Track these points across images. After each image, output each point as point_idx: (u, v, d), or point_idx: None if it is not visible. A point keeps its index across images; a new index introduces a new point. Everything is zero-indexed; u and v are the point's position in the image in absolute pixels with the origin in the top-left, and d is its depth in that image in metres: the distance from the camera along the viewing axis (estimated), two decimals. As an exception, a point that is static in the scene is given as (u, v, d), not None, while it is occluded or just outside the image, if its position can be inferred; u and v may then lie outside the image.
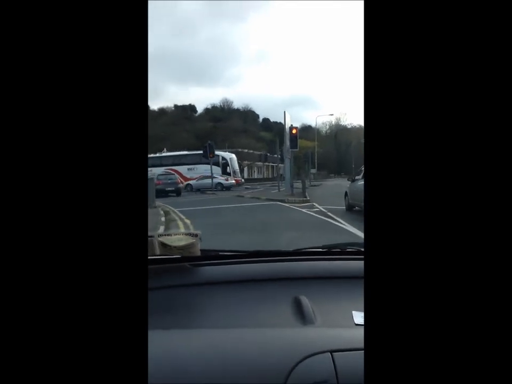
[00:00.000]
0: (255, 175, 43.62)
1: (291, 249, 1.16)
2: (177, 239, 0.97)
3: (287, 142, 15.34)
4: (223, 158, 27.45)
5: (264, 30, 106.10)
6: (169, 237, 0.97)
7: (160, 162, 28.06)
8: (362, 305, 0.51)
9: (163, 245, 0.95)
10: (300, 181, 16.53)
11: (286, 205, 11.87)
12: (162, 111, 62.32)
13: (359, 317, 0.74)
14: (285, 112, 15.54)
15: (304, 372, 0.55)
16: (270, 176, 43.35)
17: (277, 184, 19.14)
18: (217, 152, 25.22)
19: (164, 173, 21.27)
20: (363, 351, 0.50)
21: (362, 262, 0.52)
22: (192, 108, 67.37)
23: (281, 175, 20.40)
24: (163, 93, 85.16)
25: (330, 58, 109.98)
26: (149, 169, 25.69)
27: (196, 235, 0.99)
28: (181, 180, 27.52)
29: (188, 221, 7.99)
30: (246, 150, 38.50)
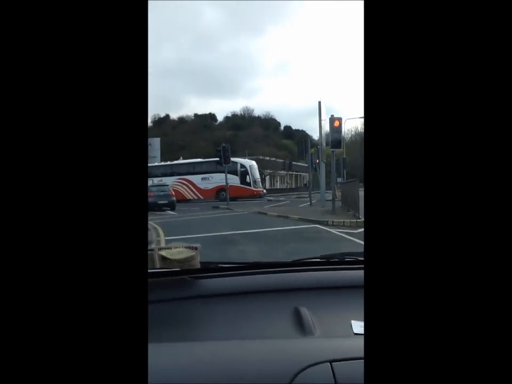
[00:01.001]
0: (278, 185, 40.39)
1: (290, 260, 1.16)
2: (177, 252, 0.98)
3: (323, 141, 11.78)
4: (242, 166, 24.01)
5: (283, 42, 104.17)
6: (169, 250, 0.98)
7: (171, 171, 25.10)
8: (361, 315, 0.51)
9: (163, 258, 0.97)
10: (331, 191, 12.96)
11: (332, 230, 7.44)
12: (181, 120, 60.28)
13: (358, 327, 0.75)
14: (320, 102, 11.61)
15: (304, 382, 0.56)
16: (294, 186, 40.15)
17: (304, 196, 15.60)
18: (235, 159, 22.01)
19: (156, 184, 18.13)
20: (362, 360, 0.50)
21: (360, 271, 0.51)
22: (212, 116, 65.28)
23: (305, 184, 16.88)
24: (184, 105, 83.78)
25: (349, 67, 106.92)
26: (159, 179, 23.04)
27: (196, 248, 1.00)
28: (196, 191, 24.60)
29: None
30: (268, 158, 35.15)
